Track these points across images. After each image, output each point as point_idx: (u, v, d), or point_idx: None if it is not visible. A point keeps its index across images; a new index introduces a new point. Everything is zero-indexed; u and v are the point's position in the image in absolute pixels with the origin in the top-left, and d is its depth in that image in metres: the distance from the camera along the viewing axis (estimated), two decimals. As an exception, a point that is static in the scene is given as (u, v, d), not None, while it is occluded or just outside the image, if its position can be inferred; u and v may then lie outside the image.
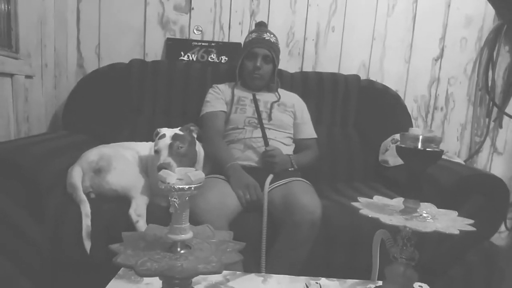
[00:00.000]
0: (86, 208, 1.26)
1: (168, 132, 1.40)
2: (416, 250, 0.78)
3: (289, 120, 1.69)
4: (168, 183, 0.64)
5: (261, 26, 1.76)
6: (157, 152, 1.36)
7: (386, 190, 1.64)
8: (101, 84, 1.84)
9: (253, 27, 1.89)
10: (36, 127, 1.74)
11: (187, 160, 1.40)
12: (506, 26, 2.02)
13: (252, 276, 0.96)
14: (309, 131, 1.74)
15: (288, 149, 1.63)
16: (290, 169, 1.54)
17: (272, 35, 1.70)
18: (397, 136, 1.64)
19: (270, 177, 1.44)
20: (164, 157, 1.33)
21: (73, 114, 1.79)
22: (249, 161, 1.53)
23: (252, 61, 1.65)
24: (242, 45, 1.74)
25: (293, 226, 1.22)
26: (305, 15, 2.08)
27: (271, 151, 1.49)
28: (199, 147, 1.53)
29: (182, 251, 0.67)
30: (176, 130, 1.42)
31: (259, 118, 1.62)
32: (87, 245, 1.23)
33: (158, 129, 1.45)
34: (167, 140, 1.36)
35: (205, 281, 0.89)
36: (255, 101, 1.66)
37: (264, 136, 1.57)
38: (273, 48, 1.67)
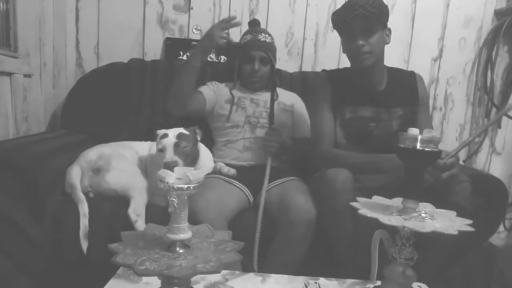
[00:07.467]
0: (84, 208, 1.26)
1: (170, 132, 1.38)
2: (414, 250, 0.78)
3: (288, 119, 1.69)
4: (167, 183, 0.64)
5: (255, 26, 1.72)
6: (161, 150, 1.35)
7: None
8: (100, 84, 1.83)
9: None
10: (35, 126, 1.73)
11: (191, 159, 1.40)
12: (504, 27, 2.03)
13: (251, 275, 0.96)
14: (308, 131, 1.74)
15: (287, 149, 1.64)
16: (282, 157, 1.58)
17: (267, 35, 1.67)
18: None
19: (269, 161, 1.46)
20: (171, 155, 1.32)
21: (72, 113, 1.79)
22: (248, 161, 1.53)
23: (249, 64, 1.63)
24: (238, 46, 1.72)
25: (289, 225, 1.22)
26: (304, 15, 2.07)
27: (274, 131, 1.53)
28: (199, 147, 1.53)
29: (181, 251, 0.67)
30: (181, 129, 1.41)
31: (272, 107, 1.63)
32: (84, 245, 1.22)
33: (158, 131, 1.42)
34: (172, 139, 1.35)
35: (204, 280, 0.89)
36: (272, 102, 1.66)
37: (271, 114, 1.61)
38: (270, 48, 1.65)
